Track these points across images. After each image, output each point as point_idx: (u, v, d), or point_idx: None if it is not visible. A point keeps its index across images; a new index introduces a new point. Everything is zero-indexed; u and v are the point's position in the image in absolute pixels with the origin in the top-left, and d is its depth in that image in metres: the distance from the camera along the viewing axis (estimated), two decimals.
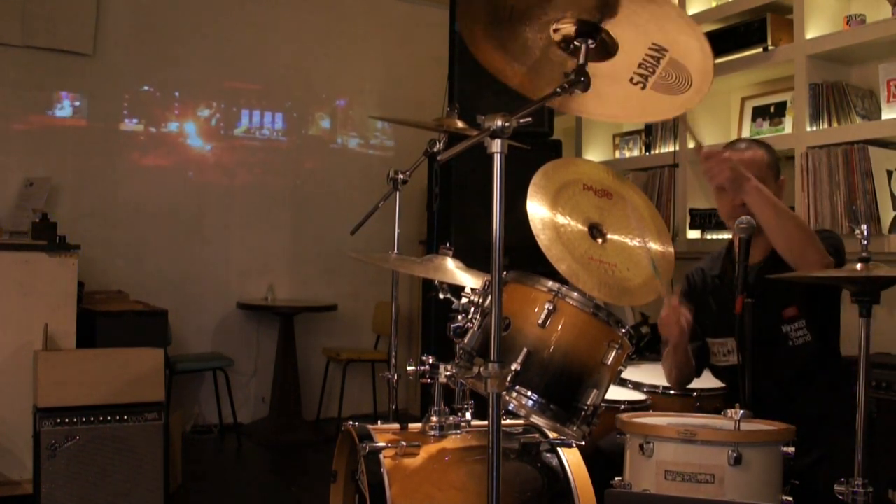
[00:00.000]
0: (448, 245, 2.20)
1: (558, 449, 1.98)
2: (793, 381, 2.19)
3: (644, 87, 1.62)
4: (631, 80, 1.61)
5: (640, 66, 1.57)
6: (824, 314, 2.21)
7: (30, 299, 3.49)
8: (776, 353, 2.17)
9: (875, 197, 3.08)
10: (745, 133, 3.83)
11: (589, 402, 1.68)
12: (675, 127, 4.07)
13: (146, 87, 4.96)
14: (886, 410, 2.43)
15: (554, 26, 1.56)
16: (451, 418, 1.98)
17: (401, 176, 2.64)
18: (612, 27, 1.52)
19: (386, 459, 1.83)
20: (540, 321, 1.65)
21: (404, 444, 1.85)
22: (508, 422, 2.06)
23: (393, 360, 2.59)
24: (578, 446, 1.97)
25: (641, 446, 1.76)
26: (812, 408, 2.09)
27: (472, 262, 2.17)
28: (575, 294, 1.67)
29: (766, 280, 2.19)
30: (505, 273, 1.46)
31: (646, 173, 4.27)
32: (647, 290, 1.70)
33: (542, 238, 1.60)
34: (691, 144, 3.71)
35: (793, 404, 2.06)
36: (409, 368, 1.96)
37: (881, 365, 2.65)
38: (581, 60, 1.52)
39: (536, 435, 2.00)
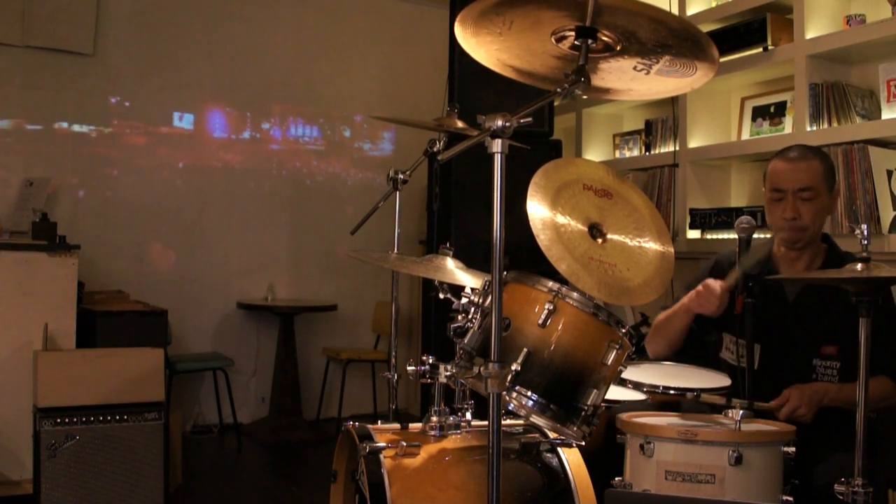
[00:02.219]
0: (448, 245, 2.20)
1: (558, 449, 1.98)
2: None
3: (648, 74, 1.62)
4: (634, 68, 1.61)
5: (641, 58, 1.57)
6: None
7: (30, 299, 3.49)
8: (796, 380, 2.13)
9: (875, 197, 3.08)
10: (746, 134, 3.82)
11: (589, 402, 1.68)
12: (675, 127, 4.07)
13: (146, 87, 4.96)
14: (886, 410, 2.43)
15: (554, 38, 1.57)
16: (451, 418, 1.98)
17: (401, 176, 2.64)
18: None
19: (386, 459, 1.83)
20: (540, 321, 1.65)
21: (404, 444, 1.85)
22: (508, 422, 2.06)
23: (393, 360, 2.59)
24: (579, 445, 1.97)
25: (642, 446, 1.76)
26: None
27: (472, 262, 2.16)
28: (575, 294, 1.67)
29: (813, 300, 2.19)
30: (505, 273, 1.46)
31: (646, 173, 4.27)
32: (648, 289, 1.69)
33: (542, 238, 1.59)
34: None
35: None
36: (409, 368, 1.96)
37: None
38: (581, 60, 1.52)
39: (536, 435, 2.00)
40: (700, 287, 2.15)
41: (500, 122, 1.34)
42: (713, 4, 3.90)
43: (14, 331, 3.45)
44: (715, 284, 2.12)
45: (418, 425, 2.00)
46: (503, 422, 1.83)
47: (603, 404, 1.73)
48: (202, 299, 5.11)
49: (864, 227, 1.73)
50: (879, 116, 3.22)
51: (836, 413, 2.06)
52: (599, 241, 1.72)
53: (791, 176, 2.19)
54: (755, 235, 2.22)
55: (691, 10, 3.94)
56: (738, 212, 3.59)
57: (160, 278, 4.95)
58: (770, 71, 3.65)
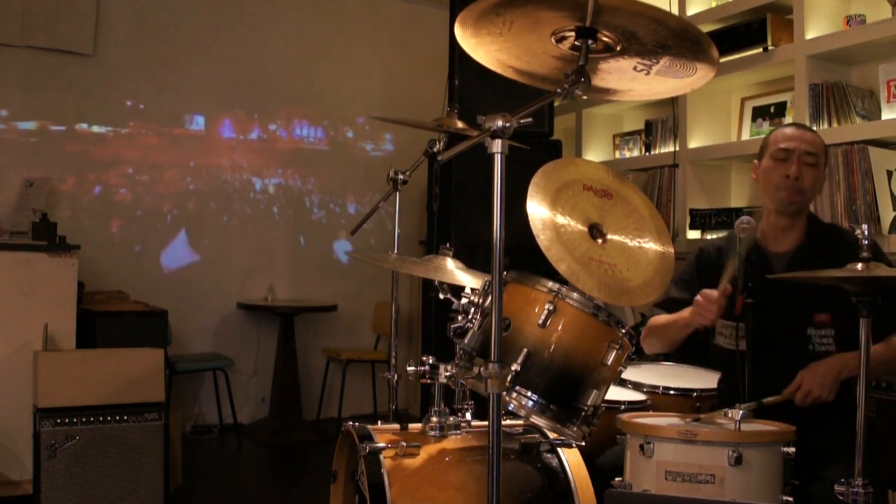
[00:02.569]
0: (448, 245, 2.20)
1: (558, 449, 1.98)
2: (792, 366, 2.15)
3: (648, 74, 1.63)
4: (634, 68, 1.61)
5: (641, 59, 1.58)
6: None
7: (30, 299, 3.49)
8: (793, 353, 2.13)
9: (875, 197, 3.08)
10: (746, 134, 3.83)
11: (589, 403, 1.68)
12: (675, 127, 4.07)
13: (146, 88, 4.96)
14: (886, 410, 2.43)
15: (554, 38, 1.57)
16: (451, 419, 1.98)
17: (401, 176, 2.64)
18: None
19: (386, 460, 1.83)
20: (540, 321, 1.65)
21: (404, 444, 1.85)
22: (508, 422, 2.06)
23: (393, 360, 2.59)
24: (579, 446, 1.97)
25: (641, 446, 1.76)
26: (813, 408, 2.08)
27: (472, 262, 2.17)
28: (575, 294, 1.67)
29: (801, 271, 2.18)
30: (505, 273, 1.46)
31: (646, 173, 4.27)
32: (648, 290, 1.69)
33: (542, 238, 1.60)
34: None
35: (794, 404, 2.06)
36: (409, 369, 1.96)
37: None
38: (581, 61, 1.52)
39: (536, 435, 2.00)
40: (698, 297, 2.12)
41: (500, 123, 1.34)
42: (713, 4, 3.90)
43: (14, 331, 3.45)
44: (711, 293, 2.09)
45: (418, 426, 2.00)
46: (503, 422, 1.83)
47: (603, 404, 1.73)
48: (202, 299, 5.11)
49: (864, 227, 1.73)
50: (879, 117, 3.22)
51: (836, 412, 2.06)
52: (599, 241, 1.72)
53: (801, 138, 2.23)
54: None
55: (691, 11, 3.94)
56: (738, 212, 3.59)
57: (160, 278, 4.95)
58: (770, 71, 3.65)
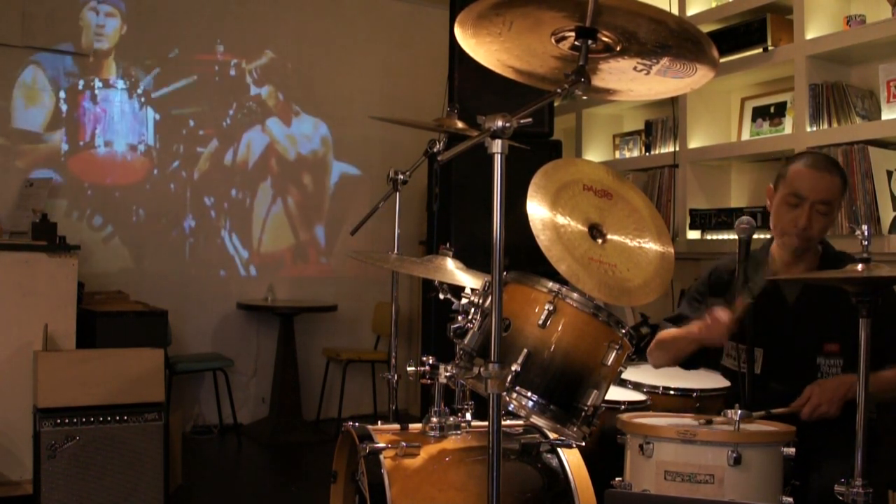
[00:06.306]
0: (448, 245, 2.20)
1: (558, 449, 1.98)
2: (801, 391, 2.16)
3: (648, 74, 1.63)
4: (634, 68, 1.61)
5: (641, 59, 1.58)
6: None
7: (30, 299, 3.49)
8: (801, 380, 2.13)
9: (875, 197, 3.08)
10: (746, 134, 3.82)
11: (589, 403, 1.68)
12: (675, 127, 4.07)
13: (145, 87, 4.96)
14: (886, 410, 2.43)
15: (554, 38, 1.57)
16: (451, 419, 1.98)
17: (401, 176, 2.64)
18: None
19: (386, 460, 1.83)
20: (540, 322, 1.65)
21: (404, 444, 1.85)
22: (508, 422, 2.06)
23: (393, 361, 2.59)
24: (579, 446, 1.97)
25: (641, 446, 1.76)
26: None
27: (472, 262, 2.16)
28: (575, 294, 1.67)
29: (813, 300, 2.20)
30: (505, 273, 1.46)
31: (646, 173, 4.27)
32: (647, 290, 1.69)
33: (542, 238, 1.59)
34: None
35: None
36: (409, 369, 1.96)
37: None
38: (581, 61, 1.52)
39: (536, 435, 2.00)
40: (708, 319, 2.11)
41: (499, 123, 1.34)
42: (713, 5, 3.90)
43: (14, 331, 3.45)
44: (723, 316, 2.06)
45: (418, 426, 2.00)
46: (503, 422, 1.82)
47: (603, 404, 1.73)
48: (202, 299, 5.11)
49: (864, 227, 1.73)
50: (879, 117, 3.22)
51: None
52: (599, 241, 1.72)
53: (815, 185, 2.16)
54: (755, 236, 2.22)
55: (691, 11, 3.94)
56: (738, 212, 3.59)
57: (160, 278, 4.95)
58: (770, 71, 3.65)
